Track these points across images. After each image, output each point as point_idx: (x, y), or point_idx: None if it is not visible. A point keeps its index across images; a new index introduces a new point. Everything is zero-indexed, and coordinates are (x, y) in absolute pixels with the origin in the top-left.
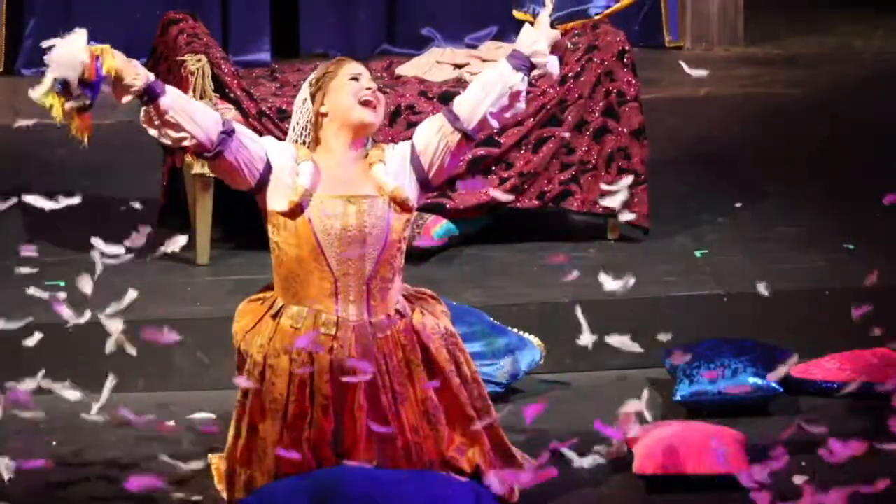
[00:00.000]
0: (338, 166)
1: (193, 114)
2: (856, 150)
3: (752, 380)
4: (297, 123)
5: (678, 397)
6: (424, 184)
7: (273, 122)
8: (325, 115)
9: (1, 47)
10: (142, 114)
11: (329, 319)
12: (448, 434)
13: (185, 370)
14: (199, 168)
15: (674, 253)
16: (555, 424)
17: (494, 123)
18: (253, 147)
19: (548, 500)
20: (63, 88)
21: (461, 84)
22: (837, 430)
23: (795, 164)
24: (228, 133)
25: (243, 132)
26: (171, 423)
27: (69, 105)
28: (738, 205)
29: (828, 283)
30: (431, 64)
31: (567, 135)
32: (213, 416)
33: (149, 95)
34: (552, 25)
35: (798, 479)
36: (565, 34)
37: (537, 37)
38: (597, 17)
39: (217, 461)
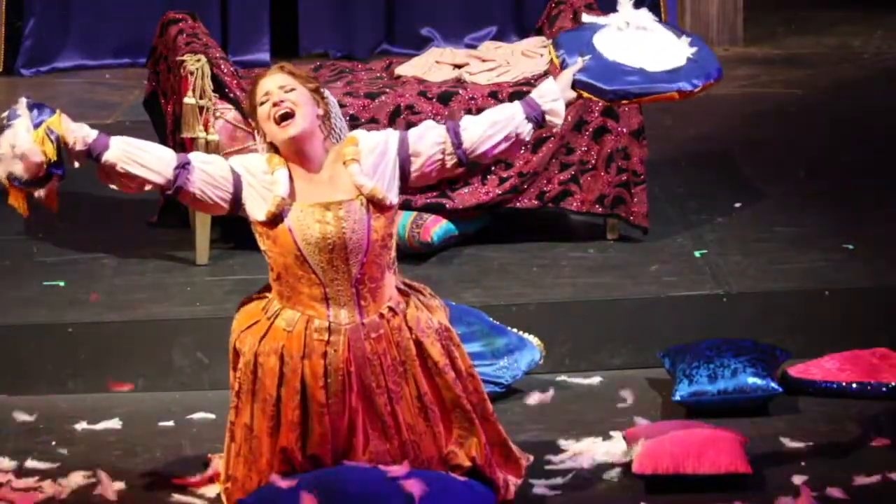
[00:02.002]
0: (310, 172)
1: (143, 159)
2: (856, 150)
3: (752, 380)
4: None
5: (678, 397)
6: (404, 180)
7: None
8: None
9: (0, 47)
10: (96, 172)
11: (321, 325)
12: (445, 429)
13: (184, 370)
14: None
15: (673, 253)
16: (555, 424)
17: (488, 159)
18: (213, 170)
19: (547, 500)
20: (23, 183)
21: (460, 84)
22: (837, 430)
23: (795, 164)
24: (184, 166)
25: (201, 160)
26: None
27: (41, 191)
28: (737, 205)
29: (828, 283)
30: (431, 64)
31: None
32: (212, 416)
33: (93, 155)
34: (573, 85)
35: (798, 479)
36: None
37: (558, 95)
38: (610, 102)
39: (218, 460)
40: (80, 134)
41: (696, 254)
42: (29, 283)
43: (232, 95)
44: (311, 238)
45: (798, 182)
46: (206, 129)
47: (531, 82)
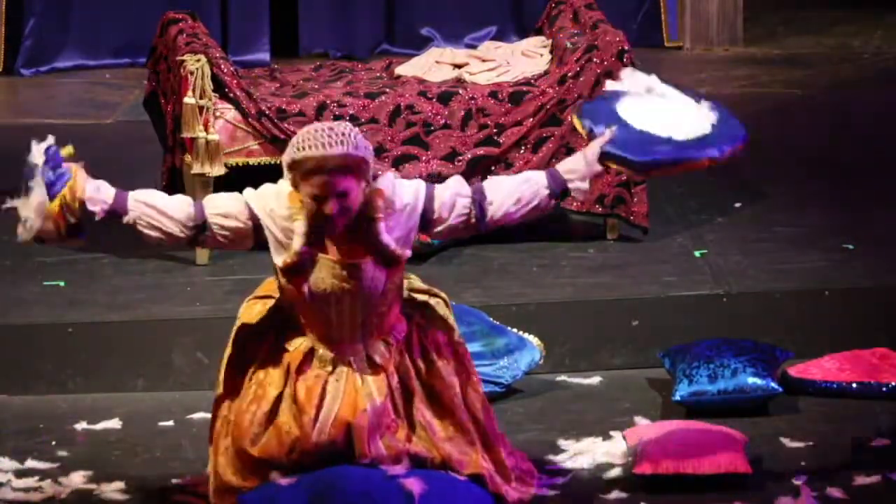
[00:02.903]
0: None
1: (159, 223)
2: (855, 150)
3: (752, 380)
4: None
5: (678, 397)
6: (423, 230)
7: (272, 122)
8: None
9: (0, 47)
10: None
11: (325, 356)
12: (446, 453)
13: (184, 370)
14: (198, 168)
15: (673, 253)
16: (555, 424)
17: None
18: (232, 224)
19: (547, 500)
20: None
21: (460, 84)
22: (837, 430)
23: (795, 164)
24: (200, 227)
25: (217, 211)
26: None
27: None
28: (737, 205)
29: (828, 283)
30: (431, 64)
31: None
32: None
33: (113, 217)
34: (599, 159)
35: (798, 479)
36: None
37: (583, 174)
38: (639, 174)
39: None
40: (97, 199)
41: (696, 254)
42: (29, 283)
43: (232, 95)
44: (324, 291)
45: (798, 182)
46: (206, 129)
47: (531, 82)
